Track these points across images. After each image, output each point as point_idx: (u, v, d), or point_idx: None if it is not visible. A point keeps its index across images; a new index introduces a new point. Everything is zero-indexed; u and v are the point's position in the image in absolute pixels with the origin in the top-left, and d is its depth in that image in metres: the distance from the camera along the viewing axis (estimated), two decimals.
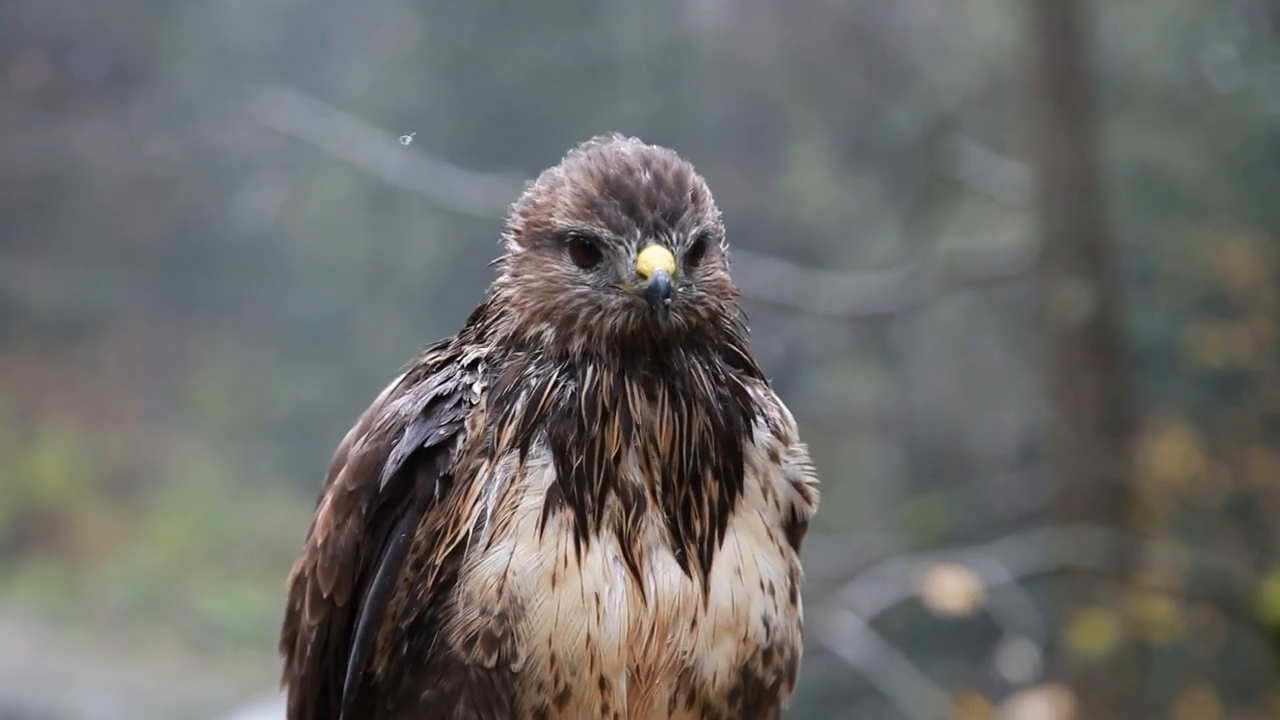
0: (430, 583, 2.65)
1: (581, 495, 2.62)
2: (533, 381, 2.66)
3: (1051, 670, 9.87)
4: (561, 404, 2.64)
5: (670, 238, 2.62)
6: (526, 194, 2.75)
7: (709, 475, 2.67)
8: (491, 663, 2.61)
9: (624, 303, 2.62)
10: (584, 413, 2.63)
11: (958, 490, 14.23)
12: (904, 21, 16.58)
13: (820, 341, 15.45)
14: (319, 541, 2.77)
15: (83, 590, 19.66)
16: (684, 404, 2.65)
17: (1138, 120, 14.97)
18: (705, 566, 2.66)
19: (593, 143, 2.73)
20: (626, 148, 2.69)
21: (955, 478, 15.50)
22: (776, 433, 2.78)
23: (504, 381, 2.68)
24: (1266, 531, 13.23)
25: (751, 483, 2.73)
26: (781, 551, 2.75)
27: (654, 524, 2.65)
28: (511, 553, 2.62)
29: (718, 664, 2.68)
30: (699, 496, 2.66)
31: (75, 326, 21.31)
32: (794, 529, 2.79)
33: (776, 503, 2.76)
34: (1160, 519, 11.82)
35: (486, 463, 2.66)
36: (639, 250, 2.61)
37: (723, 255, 2.74)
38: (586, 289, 2.65)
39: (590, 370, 2.64)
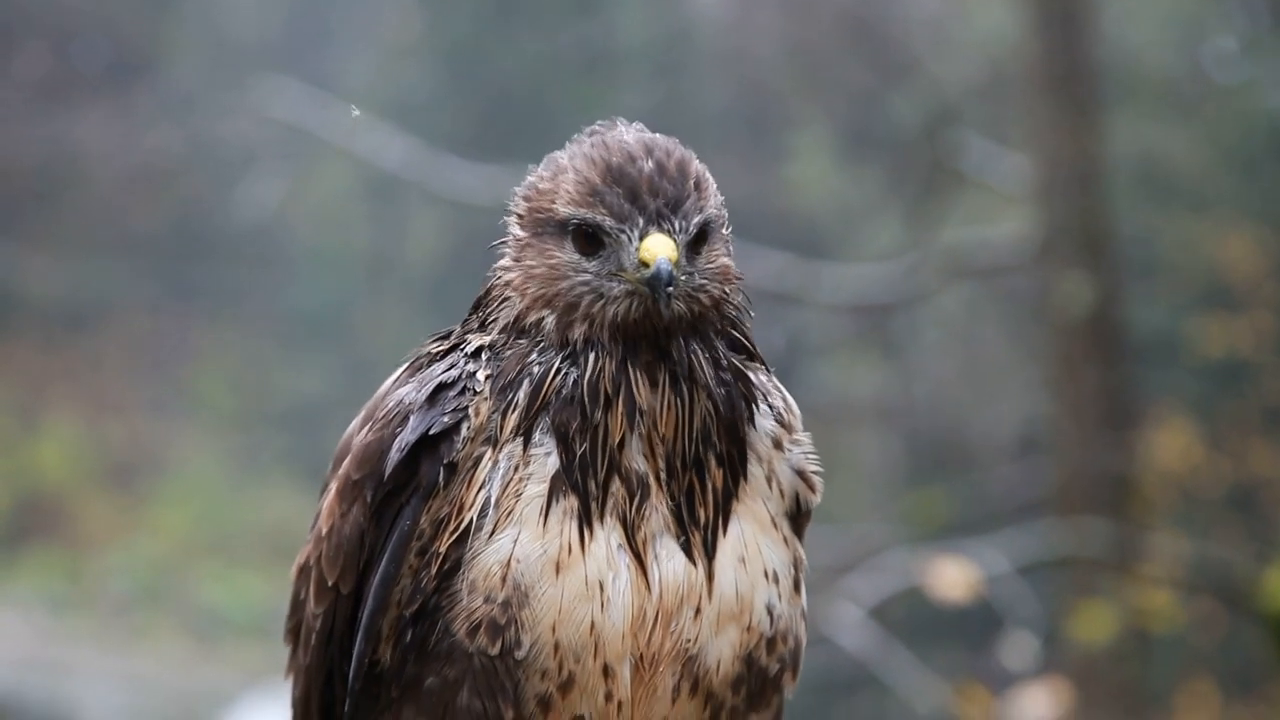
0: (434, 570, 2.64)
1: (585, 483, 2.62)
2: (535, 369, 2.65)
3: (1052, 660, 9.87)
4: (564, 391, 2.63)
5: (673, 226, 2.61)
6: (529, 178, 2.74)
7: (712, 461, 2.66)
8: (495, 650, 2.61)
9: (626, 290, 2.61)
10: (586, 400, 2.62)
11: (958, 480, 14.23)
12: (905, 13, 16.58)
13: (821, 332, 15.43)
14: (324, 530, 2.77)
15: (84, 579, 19.67)
16: (685, 389, 2.64)
17: (1139, 112, 14.97)
18: (709, 554, 2.66)
19: (596, 128, 2.72)
20: (629, 135, 2.68)
21: (956, 468, 15.50)
22: (781, 420, 2.76)
23: (507, 369, 2.67)
24: (1267, 522, 13.23)
25: (755, 470, 2.72)
26: (786, 540, 2.74)
27: (658, 511, 2.64)
28: (515, 540, 2.61)
29: (721, 652, 2.67)
30: (703, 483, 2.65)
31: (76, 316, 21.31)
32: (798, 518, 2.78)
33: (781, 491, 2.75)
34: (1161, 510, 11.83)
35: (490, 450, 2.65)
36: (641, 238, 2.60)
37: (726, 241, 2.73)
38: (589, 277, 2.64)
39: (592, 357, 2.63)
